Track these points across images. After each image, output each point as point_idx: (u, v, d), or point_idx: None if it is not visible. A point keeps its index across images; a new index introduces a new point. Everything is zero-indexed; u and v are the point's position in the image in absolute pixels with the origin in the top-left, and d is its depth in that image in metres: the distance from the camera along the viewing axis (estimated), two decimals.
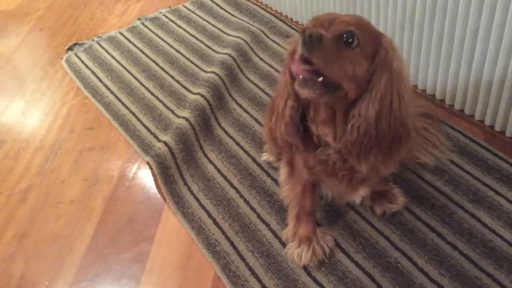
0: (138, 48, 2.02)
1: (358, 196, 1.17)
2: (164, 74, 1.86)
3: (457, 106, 1.47)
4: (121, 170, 1.52)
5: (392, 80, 0.84)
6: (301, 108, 0.94)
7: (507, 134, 1.36)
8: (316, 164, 1.01)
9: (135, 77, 1.87)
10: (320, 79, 0.81)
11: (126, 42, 2.07)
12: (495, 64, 1.27)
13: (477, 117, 1.43)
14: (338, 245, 1.21)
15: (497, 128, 1.38)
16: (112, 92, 1.81)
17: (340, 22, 0.84)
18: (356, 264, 1.16)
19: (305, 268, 1.17)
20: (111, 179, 1.49)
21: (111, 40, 2.09)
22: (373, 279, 1.13)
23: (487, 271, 1.10)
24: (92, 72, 1.93)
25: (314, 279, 1.15)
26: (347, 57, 0.82)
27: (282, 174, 1.20)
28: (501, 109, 1.34)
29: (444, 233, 1.19)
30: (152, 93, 1.78)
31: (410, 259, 1.16)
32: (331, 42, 0.81)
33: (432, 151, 1.36)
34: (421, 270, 1.13)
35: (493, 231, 1.18)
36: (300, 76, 0.83)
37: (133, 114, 1.70)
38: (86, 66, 1.96)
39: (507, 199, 1.24)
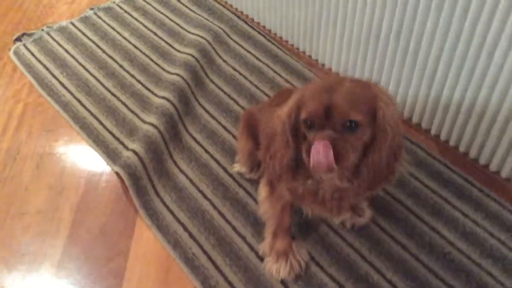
0: (93, 42, 1.94)
1: (340, 219, 1.24)
2: (124, 73, 1.81)
3: (415, 120, 1.57)
4: (88, 177, 1.48)
5: (394, 135, 0.92)
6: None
7: (461, 149, 1.48)
8: (305, 194, 1.06)
9: (92, 75, 1.80)
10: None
11: (79, 34, 1.98)
12: (454, 87, 1.37)
13: (433, 131, 1.54)
14: (312, 258, 1.28)
15: (452, 143, 1.50)
16: (69, 91, 1.74)
17: (339, 113, 0.89)
18: (330, 277, 1.24)
19: (282, 282, 1.23)
20: (78, 188, 1.46)
21: (63, 31, 1.99)
22: None
23: (448, 282, 1.22)
24: (45, 67, 1.83)
25: None
26: (355, 140, 0.91)
27: (262, 193, 1.23)
28: (456, 126, 1.45)
29: (408, 246, 1.29)
30: (113, 94, 1.73)
31: (378, 271, 1.25)
32: (341, 142, 0.89)
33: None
34: (389, 281, 1.23)
35: (451, 243, 1.29)
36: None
37: (95, 116, 1.65)
38: (38, 59, 1.86)
39: (462, 212, 1.36)
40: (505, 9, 1.13)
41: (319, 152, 0.86)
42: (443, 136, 1.52)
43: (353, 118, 0.89)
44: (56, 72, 1.81)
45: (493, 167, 1.43)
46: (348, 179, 0.98)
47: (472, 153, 1.46)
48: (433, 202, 1.39)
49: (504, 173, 1.41)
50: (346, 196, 1.04)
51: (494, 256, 1.26)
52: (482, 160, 1.45)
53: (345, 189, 1.01)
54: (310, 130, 0.93)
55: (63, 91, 1.74)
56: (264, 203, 1.23)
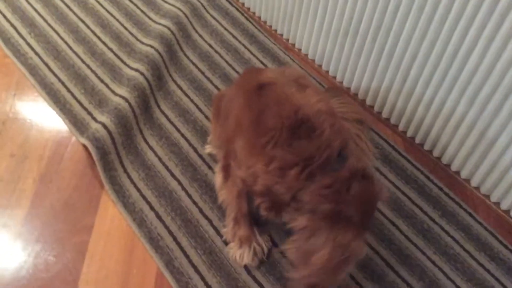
0: (65, 3, 1.86)
1: None
2: (95, 39, 1.75)
3: (385, 114, 1.61)
4: (52, 147, 1.45)
5: None
6: None
7: (426, 147, 1.53)
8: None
9: (62, 38, 1.74)
10: None
11: None
12: (426, 87, 1.40)
13: (401, 127, 1.58)
14: (275, 245, 1.30)
15: (417, 140, 1.55)
16: (36, 53, 1.67)
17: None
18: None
19: (245, 267, 1.25)
20: (42, 158, 1.42)
21: None
22: None
23: (403, 276, 1.28)
24: (12, 25, 1.75)
25: (254, 278, 1.24)
26: None
27: (218, 178, 1.24)
28: (424, 125, 1.49)
29: (368, 239, 1.34)
30: (82, 61, 1.67)
31: None
32: None
33: (362, 157, 1.48)
34: (347, 273, 1.27)
35: (409, 239, 1.35)
36: None
37: (62, 83, 1.60)
38: (4, 16, 1.77)
39: (421, 209, 1.41)
40: (486, 13, 1.15)
41: None
42: (410, 133, 1.56)
43: None
44: (24, 32, 1.73)
45: (454, 167, 1.48)
46: None
47: (436, 152, 1.51)
48: (395, 198, 1.43)
49: (463, 174, 1.47)
50: None
51: (448, 253, 1.33)
52: (445, 160, 1.50)
53: None
54: None
55: (31, 53, 1.67)
56: (221, 189, 1.24)
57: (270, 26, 1.86)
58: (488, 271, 1.31)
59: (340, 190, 0.96)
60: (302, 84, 1.12)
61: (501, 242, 1.36)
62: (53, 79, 1.61)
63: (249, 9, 1.93)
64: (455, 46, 1.26)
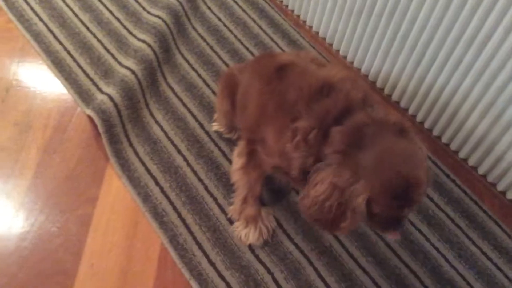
0: None
1: None
2: (101, 7, 1.71)
3: (395, 97, 1.58)
4: (56, 117, 1.42)
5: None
6: None
7: (434, 133, 1.52)
8: None
9: (68, 5, 1.69)
10: None
11: None
12: (440, 73, 1.38)
13: (410, 111, 1.56)
14: (280, 226, 1.30)
15: (427, 125, 1.53)
16: (41, 20, 1.63)
17: (419, 197, 0.90)
18: (296, 246, 1.27)
19: (249, 246, 1.25)
20: (46, 127, 1.40)
21: None
22: (310, 262, 1.25)
23: (405, 261, 1.28)
24: None
25: (257, 257, 1.24)
26: None
27: (237, 163, 1.20)
28: (434, 110, 1.47)
29: None
30: (88, 29, 1.64)
31: (342, 245, 1.29)
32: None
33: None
34: (351, 255, 1.27)
35: (413, 224, 1.35)
36: None
37: (68, 52, 1.56)
38: None
39: (427, 195, 1.41)
40: (504, 3, 1.13)
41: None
42: (419, 118, 1.54)
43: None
44: None
45: (462, 154, 1.47)
46: None
47: (445, 138, 1.49)
48: None
49: (471, 162, 1.46)
50: None
51: (452, 241, 1.33)
52: (453, 146, 1.49)
53: None
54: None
55: (35, 19, 1.63)
56: (237, 173, 1.21)
57: (281, 1, 1.82)
58: (490, 259, 1.31)
59: (358, 135, 0.91)
60: (320, 63, 1.09)
61: (505, 232, 1.36)
62: (58, 47, 1.57)
63: None
64: (472, 33, 1.23)
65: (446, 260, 1.30)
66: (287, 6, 1.81)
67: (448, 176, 1.45)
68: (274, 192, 1.34)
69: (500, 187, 1.42)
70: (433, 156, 1.48)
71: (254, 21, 1.75)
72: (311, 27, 1.75)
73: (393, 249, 1.29)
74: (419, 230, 1.34)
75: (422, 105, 1.51)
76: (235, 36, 1.70)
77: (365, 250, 1.28)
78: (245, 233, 1.24)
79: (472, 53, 1.26)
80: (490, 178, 1.44)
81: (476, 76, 1.29)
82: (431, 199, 1.40)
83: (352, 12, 1.52)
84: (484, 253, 1.32)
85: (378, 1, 1.42)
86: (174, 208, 1.29)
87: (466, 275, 1.28)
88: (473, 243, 1.33)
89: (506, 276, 1.29)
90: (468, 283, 1.26)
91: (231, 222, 1.28)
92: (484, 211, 1.39)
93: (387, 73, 1.55)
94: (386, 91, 1.60)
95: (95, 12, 1.69)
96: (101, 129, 1.35)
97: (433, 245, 1.31)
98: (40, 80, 1.49)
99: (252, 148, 1.15)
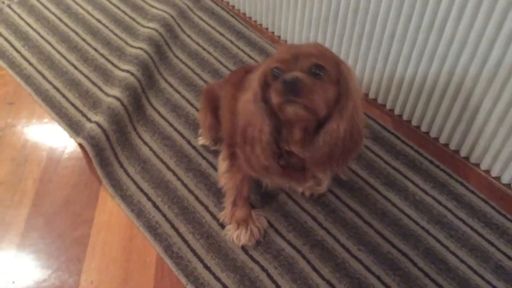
0: (55, 15, 1.92)
1: (304, 187, 1.31)
2: (86, 46, 1.81)
3: (371, 95, 1.64)
4: (50, 150, 1.49)
5: (356, 99, 0.95)
6: (275, 133, 1.01)
7: (413, 123, 1.56)
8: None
9: (55, 48, 1.79)
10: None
11: (41, 7, 1.96)
12: (407, 63, 1.44)
13: (388, 106, 1.61)
14: (271, 225, 1.33)
15: (405, 117, 1.58)
16: (31, 64, 1.73)
17: (305, 56, 0.93)
18: (288, 242, 1.30)
19: (243, 247, 1.28)
20: (41, 160, 1.47)
21: (24, 4, 1.96)
22: (303, 256, 1.27)
23: (397, 246, 1.30)
24: (6, 39, 1.81)
25: (251, 257, 1.27)
26: (320, 87, 0.92)
27: (222, 166, 1.27)
28: (409, 101, 1.52)
29: (361, 213, 1.37)
30: (75, 67, 1.73)
31: (333, 237, 1.32)
32: (307, 79, 0.90)
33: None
34: (343, 246, 1.30)
35: (401, 210, 1.37)
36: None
37: (57, 89, 1.65)
38: None
39: (413, 182, 1.44)
40: None
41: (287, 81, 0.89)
42: (397, 111, 1.59)
43: (319, 62, 0.92)
44: (18, 45, 1.79)
45: (442, 139, 1.51)
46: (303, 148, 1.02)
47: (424, 127, 1.54)
48: (387, 173, 1.46)
49: (452, 145, 1.50)
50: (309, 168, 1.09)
51: (441, 222, 1.35)
52: (433, 133, 1.53)
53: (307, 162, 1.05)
54: (277, 79, 0.93)
55: (25, 64, 1.73)
56: (223, 176, 1.27)
57: (255, 21, 1.92)
58: (482, 236, 1.33)
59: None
60: None
61: (493, 208, 1.38)
62: (48, 86, 1.66)
63: (233, 7, 1.98)
64: (430, 19, 1.30)
65: (438, 241, 1.32)
66: (261, 24, 1.90)
67: (431, 162, 1.49)
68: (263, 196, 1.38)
69: (484, 166, 1.45)
70: (415, 145, 1.52)
71: (232, 42, 1.84)
72: (286, 40, 1.83)
73: (384, 236, 1.32)
74: (408, 215, 1.36)
75: (397, 98, 1.56)
76: (215, 58, 1.78)
77: (356, 240, 1.31)
78: (236, 235, 1.28)
79: (432, 39, 1.33)
80: (473, 159, 1.47)
81: (440, 61, 1.35)
82: (417, 185, 1.43)
83: (319, 20, 1.60)
84: (475, 230, 1.34)
85: (340, 6, 1.50)
86: (167, 220, 1.33)
87: (459, 253, 1.29)
88: (463, 222, 1.36)
89: (499, 250, 1.30)
90: (462, 260, 1.28)
91: (223, 227, 1.32)
92: (471, 191, 1.42)
93: (361, 72, 1.61)
94: (362, 90, 1.66)
95: (81, 51, 1.79)
96: (91, 154, 1.41)
97: (423, 227, 1.34)
98: (33, 117, 1.57)
99: (233, 150, 1.20)
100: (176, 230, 1.31)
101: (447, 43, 1.30)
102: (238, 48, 1.82)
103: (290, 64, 0.93)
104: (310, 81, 0.90)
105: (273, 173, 1.07)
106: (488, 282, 1.24)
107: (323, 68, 0.92)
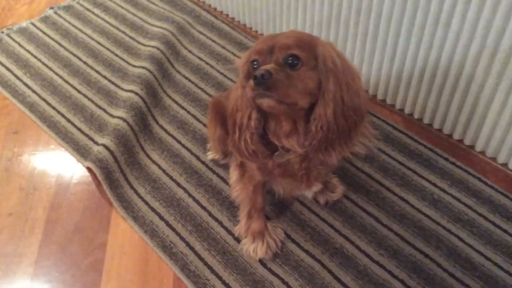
0: (55, 41, 1.92)
1: (311, 191, 1.27)
2: (88, 69, 1.80)
3: (380, 96, 1.61)
4: (59, 176, 1.48)
5: (338, 78, 0.92)
6: (263, 121, 1.00)
7: (425, 121, 1.53)
8: (274, 167, 1.08)
9: (57, 74, 1.79)
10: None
11: (41, 34, 1.95)
12: (415, 61, 1.41)
13: (397, 106, 1.58)
14: (288, 236, 1.30)
15: (416, 115, 1.55)
16: (34, 91, 1.72)
17: (280, 48, 0.91)
18: (307, 252, 1.27)
19: (260, 261, 1.25)
20: (50, 187, 1.45)
21: (23, 32, 1.96)
22: (323, 265, 1.24)
23: (419, 248, 1.26)
24: (7, 69, 1.81)
25: (270, 270, 1.24)
26: (297, 78, 0.90)
27: (233, 176, 1.25)
28: (420, 98, 1.49)
29: (380, 217, 1.33)
30: (78, 91, 1.72)
31: (352, 243, 1.28)
32: (280, 72, 0.89)
33: (362, 141, 1.48)
34: (363, 252, 1.26)
35: (420, 211, 1.34)
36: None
37: (62, 115, 1.64)
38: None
39: (429, 181, 1.40)
40: None
41: (257, 76, 0.87)
42: (407, 110, 1.56)
43: (293, 52, 0.90)
44: (19, 73, 1.79)
45: (456, 135, 1.48)
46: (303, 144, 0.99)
47: (436, 124, 1.51)
48: (402, 174, 1.43)
49: (467, 141, 1.46)
50: (313, 165, 1.06)
51: (462, 220, 1.31)
52: (446, 130, 1.49)
53: (310, 158, 1.03)
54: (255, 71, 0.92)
55: (28, 92, 1.72)
56: (235, 186, 1.25)
57: (256, 31, 1.90)
58: (505, 231, 1.29)
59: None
60: None
61: None
62: (52, 112, 1.65)
63: (233, 19, 1.97)
64: (436, 15, 1.27)
65: (460, 239, 1.28)
66: (262, 34, 1.88)
67: (447, 159, 1.45)
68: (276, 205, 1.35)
69: (501, 159, 1.41)
70: (428, 144, 1.49)
71: (234, 54, 1.82)
72: None
73: (405, 239, 1.28)
74: (427, 216, 1.33)
75: (407, 97, 1.53)
76: (218, 71, 1.76)
77: (376, 245, 1.27)
78: (253, 248, 1.24)
79: (440, 34, 1.30)
80: (489, 153, 1.43)
81: (450, 54, 1.32)
82: (434, 184, 1.39)
83: (321, 25, 1.58)
84: (498, 226, 1.30)
85: (343, 7, 1.48)
86: (182, 238, 1.30)
87: (483, 250, 1.25)
88: (485, 218, 1.32)
89: None
90: (487, 258, 1.24)
91: (238, 241, 1.29)
92: (490, 186, 1.38)
93: (367, 74, 1.59)
94: (370, 92, 1.63)
95: (83, 74, 1.78)
96: (100, 177, 1.39)
97: (444, 227, 1.30)
98: (39, 145, 1.56)
99: (242, 160, 1.18)
100: (191, 248, 1.28)
101: (455, 36, 1.27)
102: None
103: (265, 56, 0.93)
104: (283, 75, 0.89)
105: (263, 160, 1.06)
106: None
107: (298, 58, 0.91)
